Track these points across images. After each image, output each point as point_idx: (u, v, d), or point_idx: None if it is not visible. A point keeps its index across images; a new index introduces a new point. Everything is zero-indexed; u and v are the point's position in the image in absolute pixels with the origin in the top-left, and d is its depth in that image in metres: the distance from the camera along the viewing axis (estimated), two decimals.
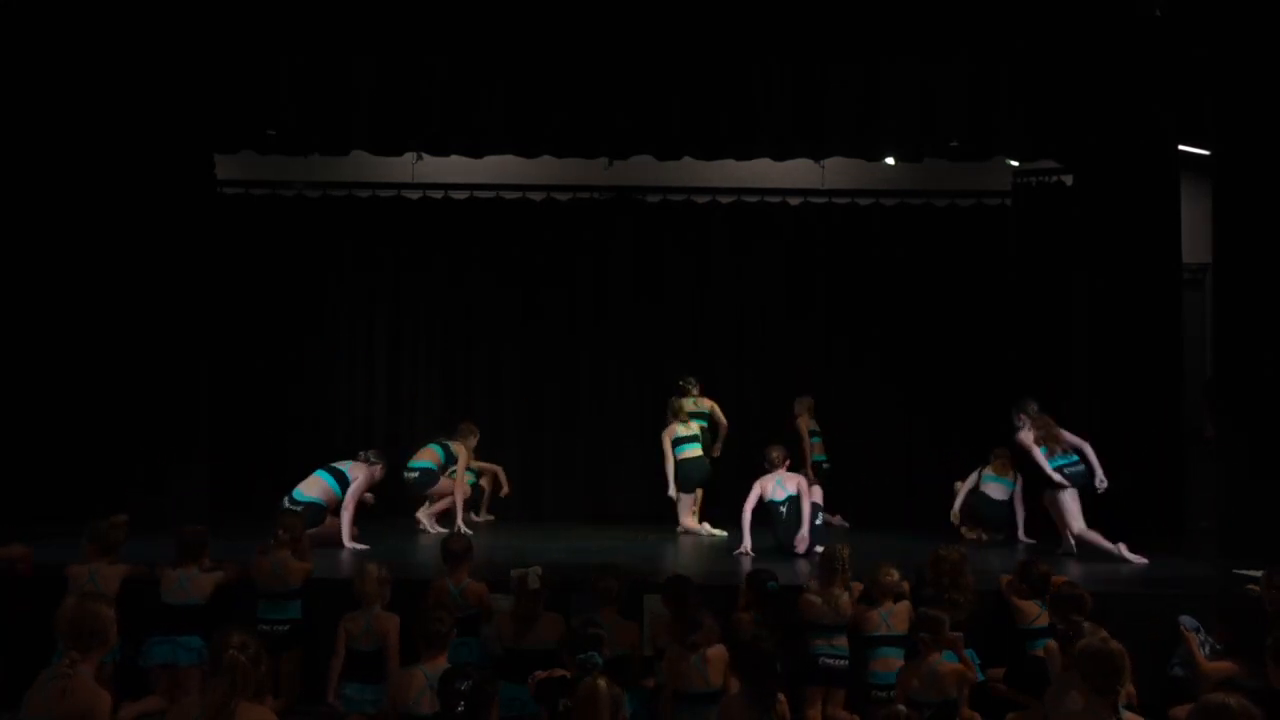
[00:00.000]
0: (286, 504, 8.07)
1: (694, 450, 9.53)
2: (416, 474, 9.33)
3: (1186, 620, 6.20)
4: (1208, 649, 6.02)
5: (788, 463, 8.71)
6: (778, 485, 8.49)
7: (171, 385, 9.36)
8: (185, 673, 5.93)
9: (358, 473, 8.48)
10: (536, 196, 11.02)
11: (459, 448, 9.39)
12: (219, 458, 9.94)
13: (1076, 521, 8.28)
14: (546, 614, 5.81)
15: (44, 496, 8.58)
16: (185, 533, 6.38)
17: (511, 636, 5.79)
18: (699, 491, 9.64)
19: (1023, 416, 8.57)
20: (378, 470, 8.66)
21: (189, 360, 9.54)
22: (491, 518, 10.13)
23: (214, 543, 6.55)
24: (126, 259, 9.22)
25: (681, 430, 9.56)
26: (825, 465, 10.12)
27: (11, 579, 6.52)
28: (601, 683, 3.80)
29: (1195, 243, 9.50)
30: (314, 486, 8.38)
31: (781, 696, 5.00)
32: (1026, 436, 8.50)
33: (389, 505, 10.23)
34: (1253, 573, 6.54)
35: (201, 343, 9.69)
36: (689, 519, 9.49)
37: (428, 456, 9.40)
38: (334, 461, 8.65)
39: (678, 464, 9.43)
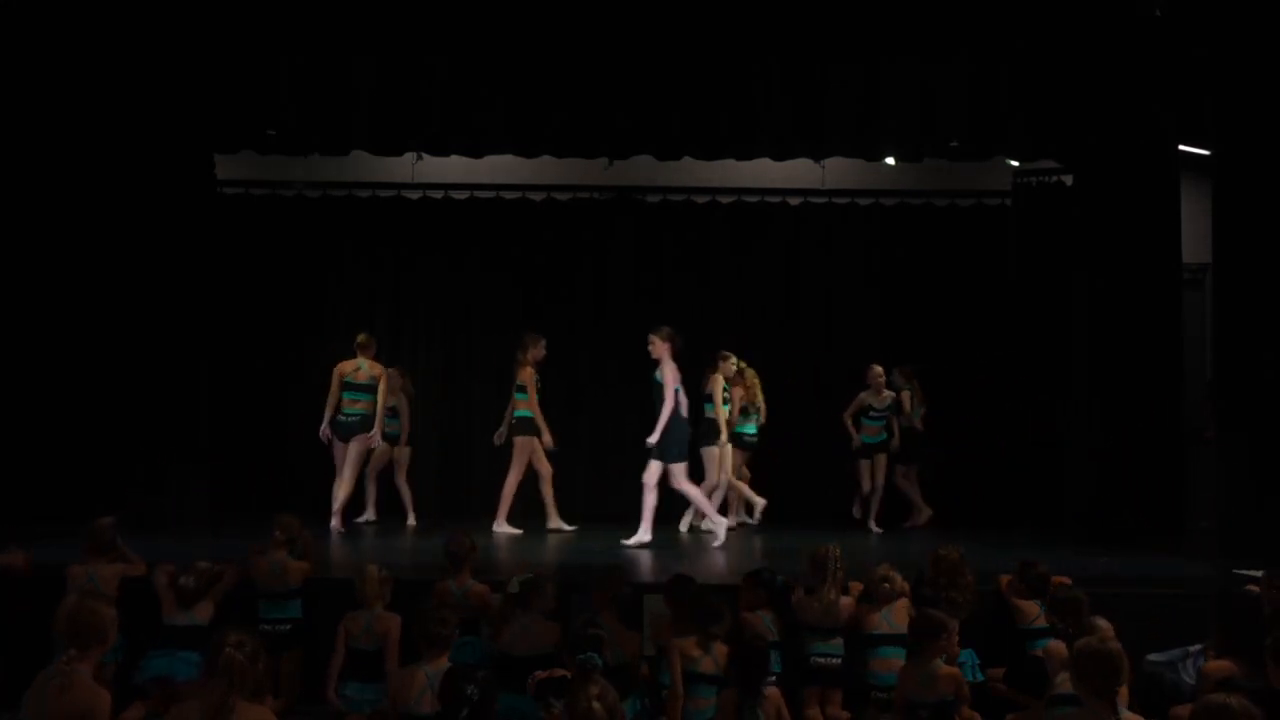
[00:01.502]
0: (340, 419, 9.12)
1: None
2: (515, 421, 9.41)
3: (1155, 659, 6.14)
4: (1193, 669, 5.92)
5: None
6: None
7: (171, 385, 9.34)
8: (182, 687, 5.66)
9: (376, 371, 9.27)
10: (536, 196, 11.02)
11: (522, 374, 9.38)
12: (219, 458, 9.92)
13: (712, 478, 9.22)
14: (542, 621, 5.77)
15: (44, 496, 8.57)
16: (194, 573, 6.07)
17: (496, 641, 5.77)
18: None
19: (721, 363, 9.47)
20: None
21: (189, 360, 9.52)
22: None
23: (214, 543, 6.54)
24: (127, 259, 9.20)
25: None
26: None
27: (11, 579, 6.50)
28: (596, 705, 3.77)
29: (1195, 243, 9.50)
30: (356, 404, 9.15)
31: (774, 693, 5.01)
32: (717, 380, 9.34)
33: (388, 506, 10.26)
34: (1253, 573, 6.54)
35: (201, 343, 9.67)
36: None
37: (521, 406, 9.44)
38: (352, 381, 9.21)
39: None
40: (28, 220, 8.99)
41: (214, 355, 9.94)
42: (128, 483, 8.94)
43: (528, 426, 9.33)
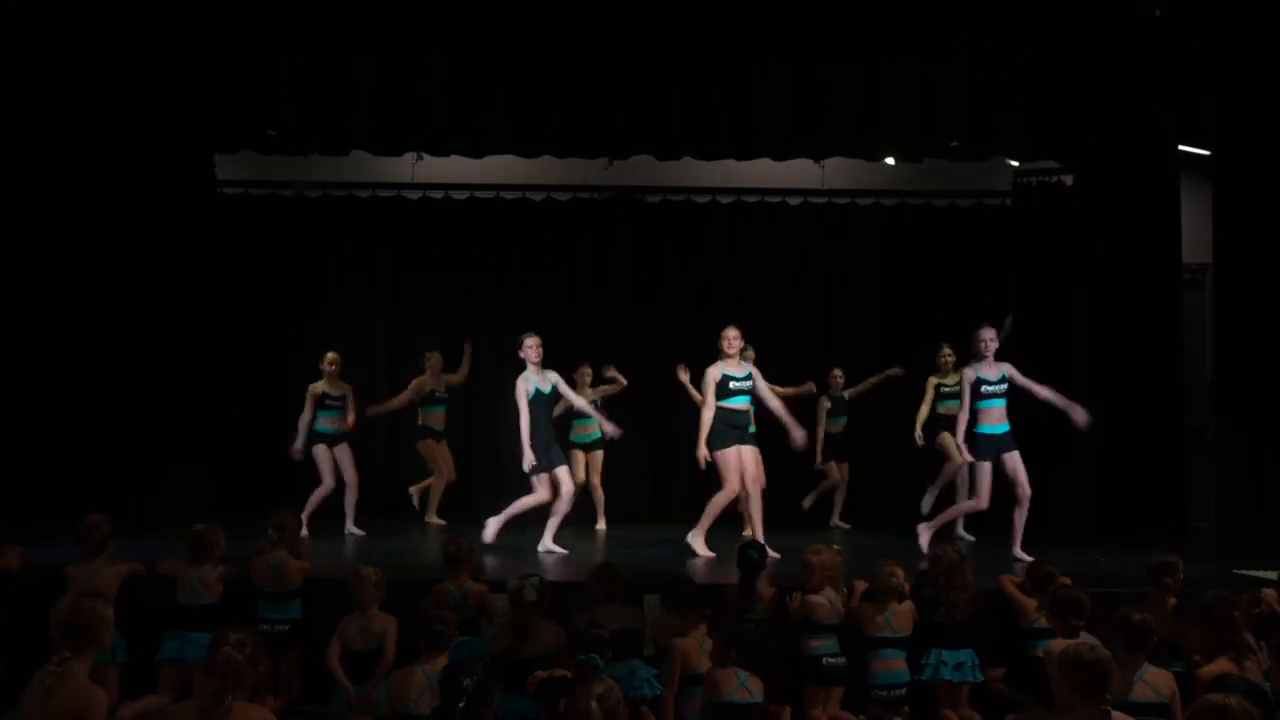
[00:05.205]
0: None
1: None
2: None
3: None
4: None
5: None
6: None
7: (171, 385, 9.32)
8: (194, 667, 5.70)
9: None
10: (536, 196, 11.02)
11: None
12: (219, 458, 9.91)
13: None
14: (546, 623, 5.75)
15: (44, 497, 8.56)
16: (198, 533, 6.30)
17: (508, 646, 5.75)
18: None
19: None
20: None
21: (189, 360, 9.50)
22: (442, 521, 10.01)
23: None
24: (127, 259, 9.18)
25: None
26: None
27: (8, 579, 6.47)
28: (594, 705, 3.76)
29: (1195, 243, 9.50)
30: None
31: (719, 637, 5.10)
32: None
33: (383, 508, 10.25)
34: (1264, 574, 6.53)
35: (201, 343, 9.66)
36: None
37: None
38: None
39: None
40: (28, 220, 8.98)
41: (214, 355, 9.92)
42: (128, 483, 8.94)
43: None
